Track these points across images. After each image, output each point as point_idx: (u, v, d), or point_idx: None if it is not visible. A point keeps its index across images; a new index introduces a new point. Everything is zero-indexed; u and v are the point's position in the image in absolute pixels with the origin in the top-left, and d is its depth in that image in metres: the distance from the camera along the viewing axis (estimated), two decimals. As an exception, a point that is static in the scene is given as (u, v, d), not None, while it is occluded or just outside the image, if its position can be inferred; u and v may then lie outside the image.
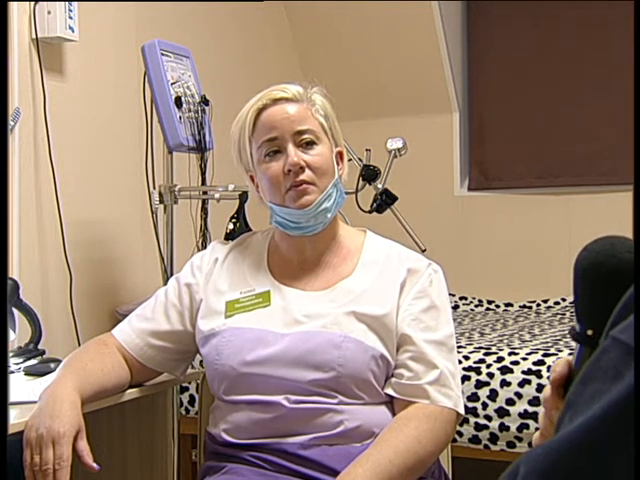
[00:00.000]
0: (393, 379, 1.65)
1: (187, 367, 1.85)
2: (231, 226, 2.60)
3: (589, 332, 0.78)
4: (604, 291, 0.76)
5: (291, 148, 1.66)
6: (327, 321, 1.64)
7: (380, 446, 1.56)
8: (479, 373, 2.59)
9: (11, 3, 2.59)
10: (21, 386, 1.84)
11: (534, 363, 2.56)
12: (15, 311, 2.18)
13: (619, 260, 0.76)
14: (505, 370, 2.57)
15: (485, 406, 2.55)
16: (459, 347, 2.65)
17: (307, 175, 1.66)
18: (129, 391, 1.78)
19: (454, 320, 1.81)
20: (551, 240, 4.05)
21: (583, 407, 0.66)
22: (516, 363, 2.58)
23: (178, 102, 2.68)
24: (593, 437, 0.63)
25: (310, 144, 1.68)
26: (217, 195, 2.71)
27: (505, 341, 2.95)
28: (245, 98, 1.75)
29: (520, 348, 2.71)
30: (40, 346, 2.23)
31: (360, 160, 2.66)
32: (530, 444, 2.47)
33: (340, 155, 1.75)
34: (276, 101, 1.69)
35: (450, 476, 1.79)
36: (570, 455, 0.64)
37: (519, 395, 2.52)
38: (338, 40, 4.31)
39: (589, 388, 0.67)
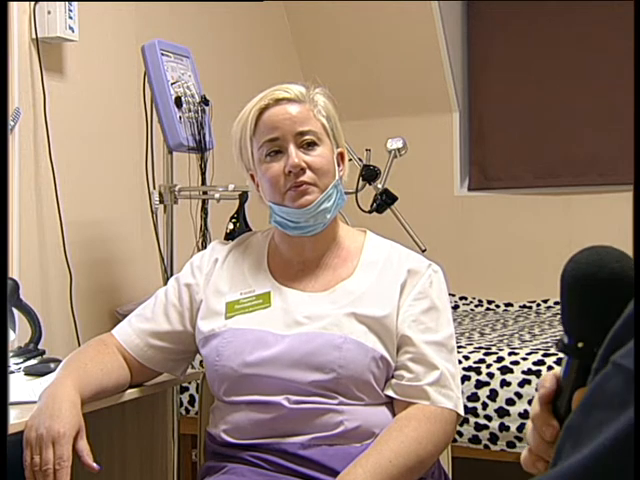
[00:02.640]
0: (393, 380, 1.64)
1: (187, 367, 1.85)
2: (231, 226, 2.60)
3: (580, 345, 0.76)
4: (595, 302, 0.74)
5: (292, 149, 1.66)
6: (327, 322, 1.64)
7: (380, 447, 1.56)
8: (479, 373, 2.59)
9: (11, 3, 2.59)
10: (21, 386, 1.84)
11: (534, 363, 2.56)
12: (15, 311, 2.18)
13: (609, 271, 0.74)
14: (505, 370, 2.57)
15: (485, 406, 2.55)
16: (459, 347, 2.64)
17: (308, 176, 1.66)
18: (129, 391, 1.78)
19: (454, 320, 1.81)
20: (551, 240, 4.04)
21: (589, 436, 0.64)
22: (516, 363, 2.58)
23: (178, 102, 2.68)
24: (605, 467, 0.61)
25: (311, 145, 1.68)
26: (217, 195, 2.71)
27: (505, 341, 2.95)
28: (245, 98, 1.75)
29: (520, 348, 2.71)
30: (40, 346, 2.22)
31: (360, 160, 2.66)
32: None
33: (341, 156, 1.75)
34: (278, 101, 1.69)
35: (450, 476, 1.79)
36: None
37: (519, 395, 2.52)
38: (338, 40, 4.31)
39: (593, 416, 0.65)
